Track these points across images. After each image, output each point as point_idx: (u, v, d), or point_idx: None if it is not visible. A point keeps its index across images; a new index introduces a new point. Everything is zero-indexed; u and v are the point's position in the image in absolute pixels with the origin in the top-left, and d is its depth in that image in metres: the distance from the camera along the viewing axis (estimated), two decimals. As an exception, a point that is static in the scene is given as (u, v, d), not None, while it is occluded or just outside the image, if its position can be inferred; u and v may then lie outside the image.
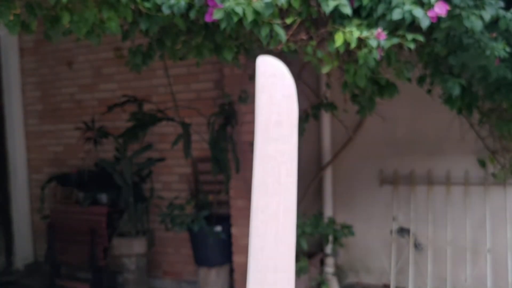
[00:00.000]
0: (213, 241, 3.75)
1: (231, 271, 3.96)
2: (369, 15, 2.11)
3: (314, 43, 2.19)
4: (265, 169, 0.96)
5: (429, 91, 2.72)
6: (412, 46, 2.06)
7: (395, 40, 2.04)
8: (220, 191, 3.98)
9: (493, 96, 2.58)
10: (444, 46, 2.26)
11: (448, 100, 2.55)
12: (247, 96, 3.68)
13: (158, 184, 4.27)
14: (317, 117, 3.78)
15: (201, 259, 3.84)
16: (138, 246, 4.00)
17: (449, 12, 2.00)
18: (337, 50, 2.08)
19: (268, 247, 0.95)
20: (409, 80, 2.43)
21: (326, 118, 3.90)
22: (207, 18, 1.97)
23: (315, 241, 3.90)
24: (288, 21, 2.07)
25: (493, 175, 3.47)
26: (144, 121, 3.84)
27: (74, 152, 4.71)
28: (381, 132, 3.77)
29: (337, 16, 2.10)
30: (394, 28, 2.06)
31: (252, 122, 3.53)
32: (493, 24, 2.19)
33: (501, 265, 3.47)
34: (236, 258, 3.89)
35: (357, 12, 2.13)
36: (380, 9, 2.04)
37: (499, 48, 2.16)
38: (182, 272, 4.26)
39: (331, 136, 3.95)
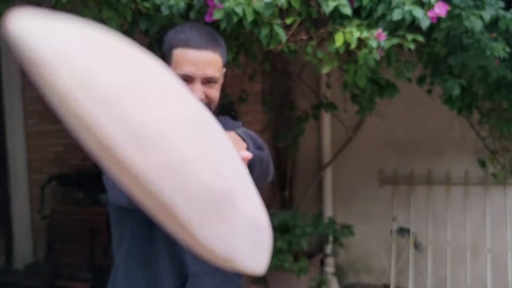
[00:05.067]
0: (213, 241, 3.74)
1: (231, 271, 3.95)
2: (369, 15, 2.11)
3: (314, 43, 2.19)
4: None
5: (429, 91, 2.72)
6: (412, 46, 2.06)
7: (395, 40, 2.04)
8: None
9: (493, 96, 2.58)
10: (444, 46, 2.26)
11: (448, 100, 2.55)
12: (247, 96, 3.68)
13: (158, 184, 4.27)
14: (317, 117, 3.78)
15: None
16: (138, 246, 3.99)
17: (449, 12, 2.00)
18: (337, 50, 2.08)
19: None
20: (409, 80, 2.43)
21: (326, 118, 3.90)
22: (207, 18, 1.97)
23: (315, 241, 3.90)
24: (288, 21, 2.07)
25: (493, 175, 3.47)
26: (144, 121, 3.84)
27: (74, 152, 4.71)
28: (381, 132, 3.77)
29: (337, 16, 2.09)
30: (394, 29, 2.06)
31: (252, 122, 3.50)
32: (493, 24, 2.19)
33: (501, 265, 3.47)
34: (236, 258, 3.88)
35: (357, 12, 2.13)
36: (380, 10, 2.04)
37: (499, 48, 2.16)
38: (182, 272, 4.26)
39: (331, 136, 3.95)
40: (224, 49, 1.35)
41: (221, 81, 1.36)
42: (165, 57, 1.34)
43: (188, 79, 1.29)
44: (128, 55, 0.71)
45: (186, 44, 1.29)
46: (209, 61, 1.30)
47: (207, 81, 1.30)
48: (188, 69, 1.28)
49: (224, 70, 1.37)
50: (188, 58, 1.29)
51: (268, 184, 1.38)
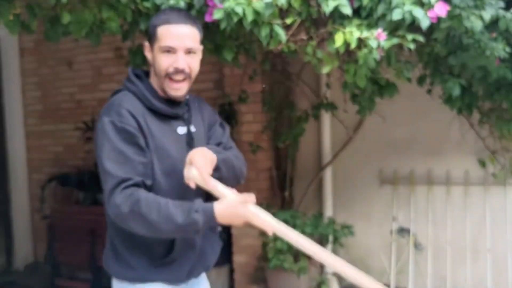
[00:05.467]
0: (213, 241, 3.74)
1: (231, 271, 3.96)
2: (369, 15, 2.11)
3: (314, 43, 2.19)
4: None
5: (429, 91, 2.73)
6: (412, 46, 2.06)
7: (395, 40, 2.04)
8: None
9: (493, 96, 2.58)
10: (444, 46, 2.27)
11: (448, 100, 2.55)
12: (247, 96, 3.68)
13: (158, 184, 4.26)
14: (317, 117, 3.78)
15: (201, 259, 3.84)
16: (138, 246, 3.99)
17: (449, 12, 2.00)
18: (337, 50, 2.08)
19: None
20: (409, 80, 2.43)
21: (326, 118, 3.90)
22: (207, 18, 1.97)
23: (315, 241, 3.89)
24: (288, 21, 2.07)
25: (493, 175, 3.47)
26: (144, 121, 3.83)
27: (74, 152, 4.71)
28: (381, 132, 3.77)
29: (337, 16, 2.10)
30: (394, 28, 2.06)
31: (252, 122, 3.50)
32: (493, 24, 2.19)
33: (501, 265, 3.47)
34: (236, 258, 3.89)
35: (357, 12, 2.13)
36: (380, 9, 2.04)
37: (499, 48, 2.16)
38: (182, 272, 4.25)
39: (331, 136, 3.95)
40: (200, 26, 1.60)
41: (199, 55, 1.60)
42: (151, 37, 1.57)
43: (171, 51, 1.52)
44: None
45: (167, 21, 1.53)
46: (188, 33, 1.53)
47: (188, 51, 1.54)
48: (170, 42, 1.51)
49: (201, 47, 1.61)
50: (170, 32, 1.52)
51: (241, 181, 1.68)
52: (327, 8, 2.00)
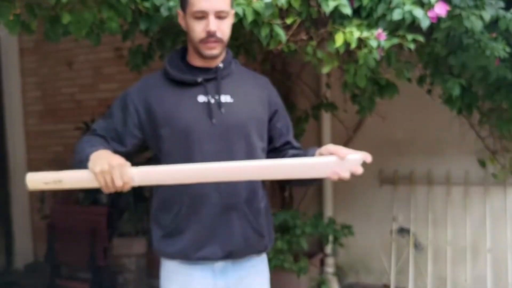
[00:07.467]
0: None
1: (231, 271, 3.95)
2: (369, 15, 2.11)
3: (314, 43, 2.19)
4: None
5: (429, 91, 2.73)
6: (412, 46, 2.06)
7: (395, 40, 2.05)
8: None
9: (493, 96, 2.58)
10: (444, 46, 2.27)
11: (448, 100, 2.55)
12: (247, 96, 3.67)
13: (158, 184, 4.26)
14: (317, 117, 3.78)
15: (201, 259, 3.83)
16: (138, 246, 3.99)
17: (449, 12, 2.00)
18: (337, 50, 2.08)
19: None
20: (409, 80, 2.43)
21: (326, 118, 3.90)
22: (207, 19, 1.97)
23: (315, 241, 3.90)
24: (288, 21, 2.07)
25: (493, 175, 3.47)
26: (144, 121, 3.83)
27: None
28: (381, 132, 3.77)
29: (337, 16, 2.10)
30: (394, 28, 2.07)
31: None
32: (493, 24, 2.19)
33: (501, 265, 3.47)
34: (236, 258, 3.88)
35: (357, 12, 2.13)
36: (380, 9, 2.05)
37: (499, 48, 2.16)
38: (182, 272, 4.25)
39: (331, 136, 3.95)
40: None
41: (231, 19, 1.60)
42: (183, 3, 1.59)
43: (203, 15, 1.54)
44: None
45: None
46: None
47: (218, 16, 1.54)
48: (201, 5, 1.52)
49: (233, 11, 1.62)
50: None
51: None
52: (327, 8, 2.00)
